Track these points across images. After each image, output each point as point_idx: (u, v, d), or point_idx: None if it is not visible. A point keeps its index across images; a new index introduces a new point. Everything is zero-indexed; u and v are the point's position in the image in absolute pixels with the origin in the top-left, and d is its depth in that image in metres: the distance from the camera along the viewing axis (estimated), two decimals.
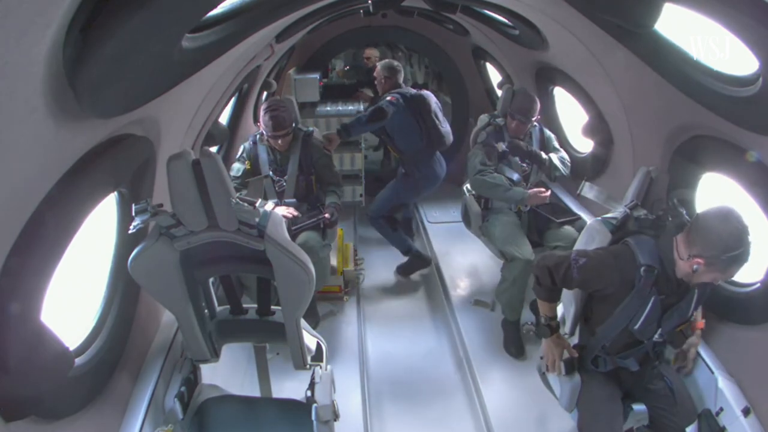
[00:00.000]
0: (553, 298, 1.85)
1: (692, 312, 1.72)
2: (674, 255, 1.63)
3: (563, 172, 2.92)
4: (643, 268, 1.64)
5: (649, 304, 1.66)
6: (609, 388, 1.86)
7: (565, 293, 1.95)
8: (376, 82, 3.63)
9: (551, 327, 1.87)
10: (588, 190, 2.14)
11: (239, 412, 1.91)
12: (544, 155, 2.93)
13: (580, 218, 2.85)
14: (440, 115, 3.52)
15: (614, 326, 1.75)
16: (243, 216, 1.54)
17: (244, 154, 2.91)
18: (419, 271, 3.89)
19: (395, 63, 3.55)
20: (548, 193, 2.84)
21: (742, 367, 1.83)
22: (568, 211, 2.96)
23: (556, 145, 3.05)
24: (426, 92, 3.52)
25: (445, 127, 3.53)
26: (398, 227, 3.78)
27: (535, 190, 2.83)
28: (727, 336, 1.94)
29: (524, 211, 2.95)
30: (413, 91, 3.48)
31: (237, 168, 2.86)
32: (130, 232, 1.48)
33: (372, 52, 5.25)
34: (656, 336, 1.74)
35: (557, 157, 2.95)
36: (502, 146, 2.92)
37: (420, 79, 7.18)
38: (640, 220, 1.90)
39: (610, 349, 1.83)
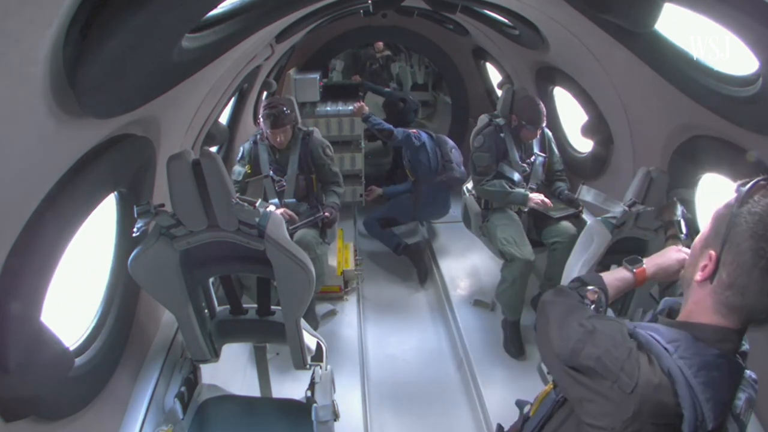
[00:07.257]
0: None
1: None
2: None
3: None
4: None
5: None
6: None
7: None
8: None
9: None
10: (585, 193, 2.10)
11: (239, 412, 1.91)
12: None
13: (577, 213, 2.85)
14: (457, 157, 3.83)
15: None
16: (243, 216, 1.54)
17: (245, 156, 2.91)
18: (419, 272, 3.88)
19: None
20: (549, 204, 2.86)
21: None
22: (566, 206, 2.94)
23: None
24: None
25: (461, 169, 3.80)
26: (385, 226, 3.93)
27: (536, 195, 2.87)
28: None
29: (524, 211, 2.95)
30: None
31: (238, 172, 2.85)
32: (134, 235, 1.48)
33: (379, 45, 6.10)
34: None
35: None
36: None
37: (420, 80, 7.17)
38: (641, 214, 1.88)
39: None
